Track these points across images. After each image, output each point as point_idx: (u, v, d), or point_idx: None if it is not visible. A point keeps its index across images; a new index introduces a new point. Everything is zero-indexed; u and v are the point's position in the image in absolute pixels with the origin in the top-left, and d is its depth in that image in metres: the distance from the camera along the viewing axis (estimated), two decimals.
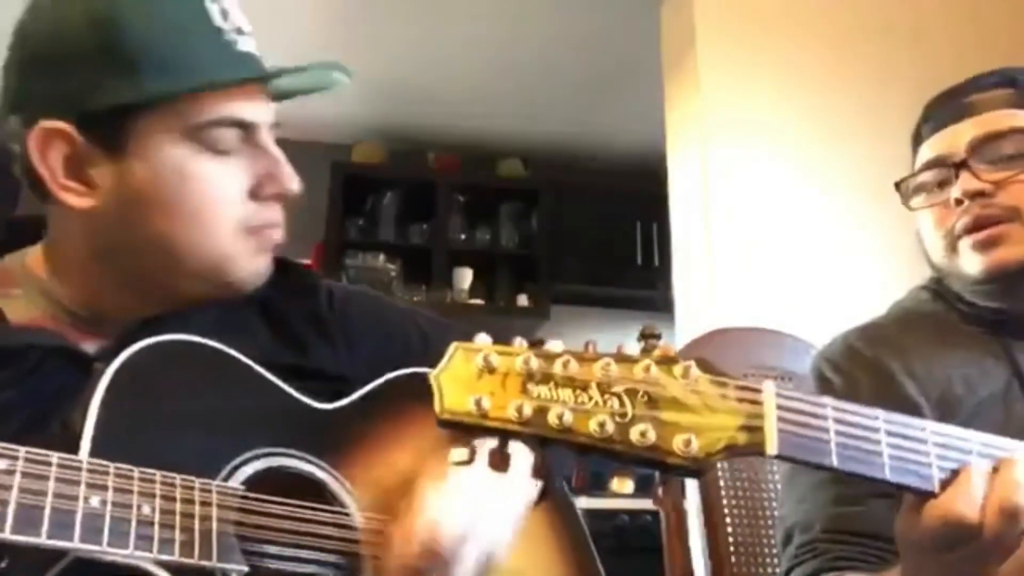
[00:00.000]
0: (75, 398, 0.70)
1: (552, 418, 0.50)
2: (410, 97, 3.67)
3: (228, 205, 0.78)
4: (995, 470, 0.58)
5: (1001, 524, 0.57)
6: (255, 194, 0.80)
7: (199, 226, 0.76)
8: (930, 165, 1.01)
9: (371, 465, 0.80)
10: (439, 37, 3.26)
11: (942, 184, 0.99)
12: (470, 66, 3.45)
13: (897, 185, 1.05)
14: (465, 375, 0.51)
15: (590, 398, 0.51)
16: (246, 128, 0.78)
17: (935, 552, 0.61)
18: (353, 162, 3.89)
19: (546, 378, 0.51)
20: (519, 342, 0.53)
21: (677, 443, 0.51)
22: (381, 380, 0.86)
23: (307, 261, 3.56)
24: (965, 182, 0.95)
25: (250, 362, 0.78)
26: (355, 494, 0.78)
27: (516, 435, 0.51)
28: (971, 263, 0.97)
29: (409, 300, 3.68)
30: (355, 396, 0.85)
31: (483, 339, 0.54)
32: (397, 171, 3.95)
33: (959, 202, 0.96)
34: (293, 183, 0.81)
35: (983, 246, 0.95)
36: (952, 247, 0.99)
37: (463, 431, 0.51)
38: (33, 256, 0.82)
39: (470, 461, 0.52)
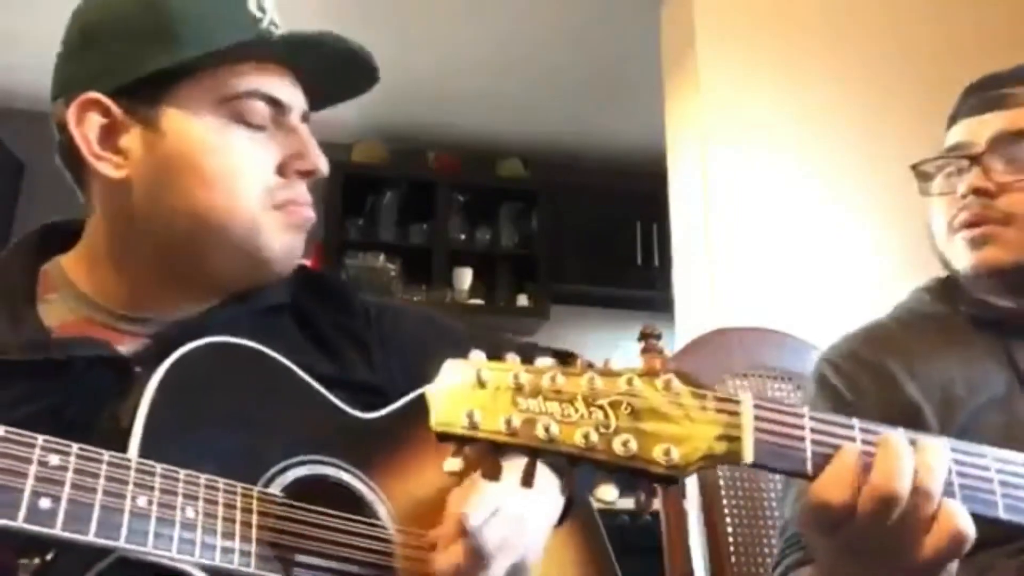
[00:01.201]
0: (115, 399, 0.71)
1: (539, 430, 0.53)
2: (410, 97, 3.67)
3: (256, 176, 0.79)
4: (870, 455, 0.58)
5: (875, 509, 0.57)
6: (283, 171, 0.81)
7: (227, 193, 0.78)
8: (950, 151, 1.02)
9: (406, 476, 0.81)
10: (439, 37, 3.26)
11: (959, 172, 1.01)
12: (470, 66, 3.45)
13: (914, 167, 1.06)
14: (458, 390, 0.54)
15: (576, 410, 0.54)
16: (277, 107, 0.81)
17: (819, 536, 0.62)
18: (353, 162, 3.90)
19: (535, 392, 0.54)
20: (512, 358, 0.56)
21: (657, 453, 0.53)
22: (418, 392, 0.86)
23: (307, 261, 3.56)
24: (974, 178, 0.97)
25: (293, 367, 0.79)
26: (389, 505, 0.79)
27: (505, 446, 0.53)
28: (961, 257, 0.99)
29: (409, 300, 3.68)
30: (393, 407, 0.86)
31: (477, 355, 0.56)
32: (397, 171, 3.95)
33: (964, 196, 0.98)
34: (322, 163, 0.83)
35: (974, 243, 0.98)
36: (949, 238, 1.01)
37: (456, 443, 0.54)
38: (69, 260, 0.84)
39: (463, 472, 0.55)
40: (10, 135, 3.50)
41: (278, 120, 0.81)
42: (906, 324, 1.06)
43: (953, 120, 1.06)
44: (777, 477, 1.22)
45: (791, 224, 2.26)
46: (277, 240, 0.81)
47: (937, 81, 2.39)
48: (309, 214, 0.84)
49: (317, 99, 0.88)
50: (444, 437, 0.53)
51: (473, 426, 0.53)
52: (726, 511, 1.21)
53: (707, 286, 2.22)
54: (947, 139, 1.05)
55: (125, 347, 0.78)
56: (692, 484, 1.24)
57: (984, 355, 0.98)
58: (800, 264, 2.23)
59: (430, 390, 0.54)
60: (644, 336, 1.31)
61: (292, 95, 0.83)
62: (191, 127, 0.77)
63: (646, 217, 3.82)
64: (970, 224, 0.98)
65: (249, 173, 0.79)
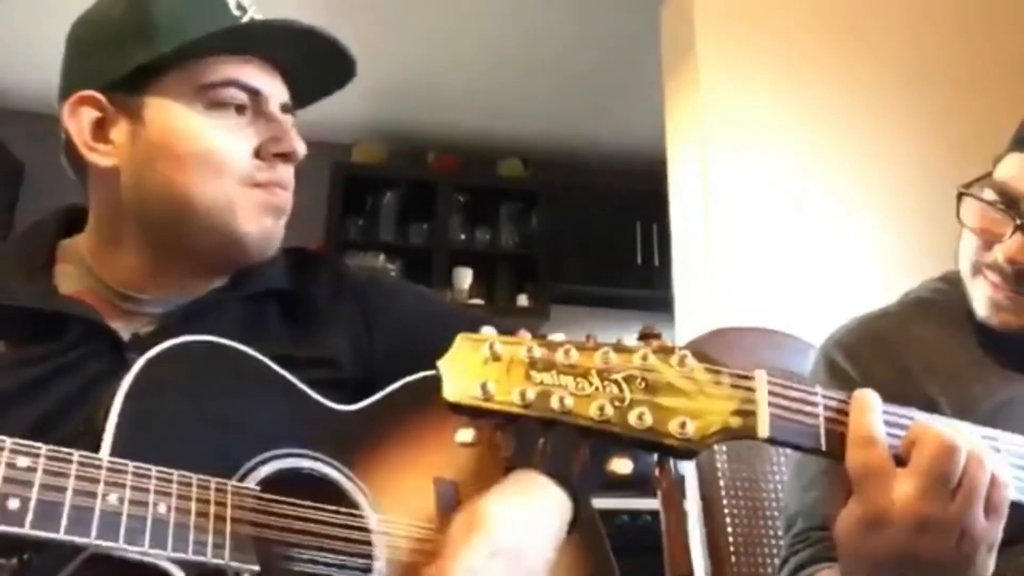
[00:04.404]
0: (108, 387, 0.72)
1: (554, 402, 0.53)
2: (410, 97, 3.67)
3: (233, 158, 0.83)
4: (896, 437, 0.59)
5: (928, 483, 0.57)
6: (260, 154, 0.85)
7: (205, 174, 0.82)
8: (998, 192, 0.93)
9: (387, 468, 0.81)
10: (439, 37, 3.26)
11: (1004, 210, 0.92)
12: (470, 66, 3.45)
13: (967, 184, 0.96)
14: (471, 362, 0.54)
15: (590, 384, 0.54)
16: (254, 95, 0.85)
17: (862, 540, 0.61)
18: (353, 162, 3.90)
19: (548, 365, 0.54)
20: (523, 333, 0.56)
21: (673, 426, 0.54)
22: (399, 384, 0.88)
23: None
24: (1012, 248, 0.90)
25: (271, 363, 0.80)
26: (370, 496, 0.79)
27: (519, 417, 0.53)
28: (979, 304, 0.95)
29: None
30: (373, 399, 0.86)
31: (488, 330, 0.56)
32: (397, 171, 3.96)
33: (994, 265, 0.92)
34: (299, 145, 0.86)
35: (997, 305, 0.93)
36: (974, 276, 0.96)
37: (469, 414, 0.53)
38: (82, 238, 0.90)
39: (475, 443, 0.55)
40: (10, 135, 3.50)
41: (256, 108, 0.85)
42: (920, 313, 1.04)
43: (1014, 146, 0.95)
44: (778, 477, 1.22)
45: (791, 224, 2.26)
46: (252, 221, 0.84)
47: (936, 81, 2.40)
48: (287, 197, 0.87)
49: (302, 95, 0.91)
50: (457, 408, 0.53)
51: (487, 397, 0.52)
52: (726, 511, 1.21)
53: (707, 286, 2.22)
54: (997, 170, 0.94)
55: (119, 323, 0.82)
56: (692, 484, 1.24)
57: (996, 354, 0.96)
58: (800, 264, 2.23)
59: (441, 362, 0.54)
60: (644, 336, 1.31)
61: (270, 85, 0.86)
62: (170, 115, 0.82)
63: (646, 217, 3.82)
64: (999, 284, 0.92)
65: (225, 156, 0.82)
